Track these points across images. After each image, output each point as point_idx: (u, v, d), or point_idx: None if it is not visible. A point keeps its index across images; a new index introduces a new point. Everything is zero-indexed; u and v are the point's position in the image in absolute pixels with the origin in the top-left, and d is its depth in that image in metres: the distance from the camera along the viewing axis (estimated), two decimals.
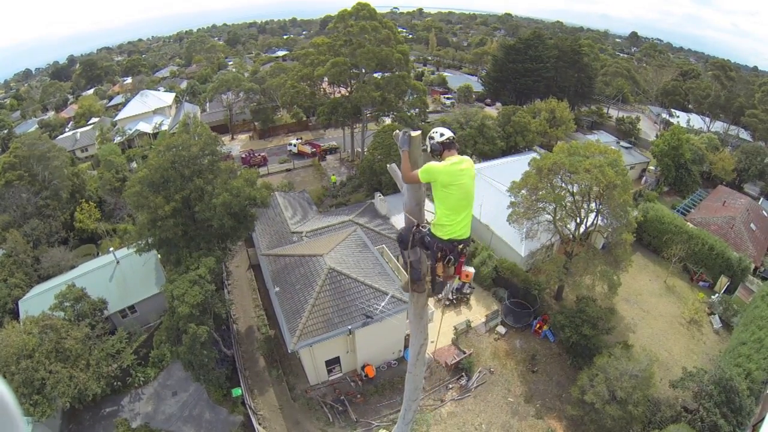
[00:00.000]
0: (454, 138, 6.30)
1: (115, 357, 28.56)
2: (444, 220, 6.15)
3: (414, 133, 6.04)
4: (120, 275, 34.00)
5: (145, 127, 71.62)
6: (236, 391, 28.38)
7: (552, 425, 27.63)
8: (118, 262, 34.40)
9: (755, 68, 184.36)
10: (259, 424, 26.68)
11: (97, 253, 41.56)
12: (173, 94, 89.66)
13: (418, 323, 8.22)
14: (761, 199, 59.69)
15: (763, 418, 26.84)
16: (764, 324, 31.22)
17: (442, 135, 6.22)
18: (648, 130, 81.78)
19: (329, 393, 28.65)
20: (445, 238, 6.18)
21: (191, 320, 24.91)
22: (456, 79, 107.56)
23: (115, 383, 28.15)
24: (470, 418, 27.75)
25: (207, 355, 25.93)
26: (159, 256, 34.36)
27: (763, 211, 53.52)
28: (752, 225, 47.62)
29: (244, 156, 58.84)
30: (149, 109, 77.70)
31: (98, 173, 51.57)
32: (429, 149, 6.27)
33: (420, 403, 23.44)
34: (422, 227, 6.59)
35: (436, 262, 6.45)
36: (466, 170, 6.06)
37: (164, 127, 61.97)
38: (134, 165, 53.31)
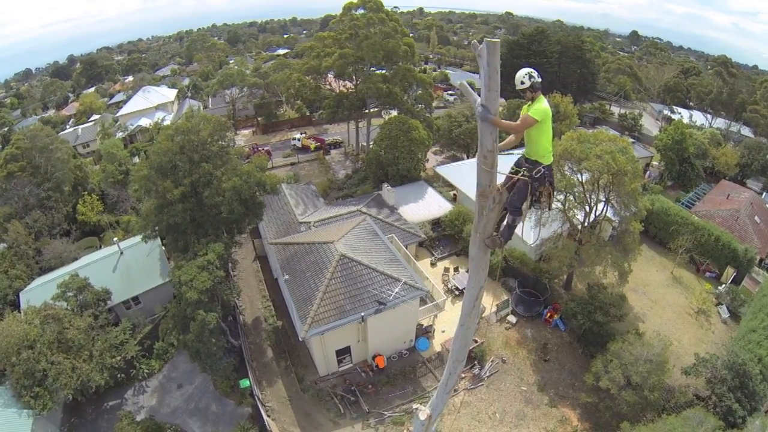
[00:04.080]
0: None
1: (119, 348, 28.00)
2: (549, 148, 6.94)
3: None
4: (124, 266, 33.62)
5: (148, 122, 71.23)
6: (244, 383, 27.96)
7: (566, 413, 27.48)
8: (122, 253, 34.04)
9: (755, 67, 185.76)
10: (268, 416, 26.25)
11: (100, 246, 41.19)
12: (176, 90, 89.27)
13: (481, 260, 7.55)
14: (764, 193, 59.94)
15: None
16: None
17: (540, 75, 6.70)
18: (650, 126, 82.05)
19: (339, 384, 28.35)
20: (548, 162, 6.98)
21: (199, 306, 24.42)
22: (457, 77, 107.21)
23: (118, 375, 27.73)
24: (484, 407, 27.57)
25: (215, 344, 25.40)
26: (163, 247, 34.10)
27: (767, 205, 53.73)
28: (756, 218, 47.77)
29: (248, 150, 58.65)
30: (151, 105, 77.20)
31: (101, 166, 51.21)
32: (529, 85, 6.61)
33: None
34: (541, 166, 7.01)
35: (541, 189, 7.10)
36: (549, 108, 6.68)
37: (167, 123, 61.64)
38: (137, 160, 52.98)
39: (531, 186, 6.82)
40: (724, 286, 38.62)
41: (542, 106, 6.50)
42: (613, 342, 26.67)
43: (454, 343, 9.15)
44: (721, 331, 34.70)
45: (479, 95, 5.86)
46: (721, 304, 36.93)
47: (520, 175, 6.90)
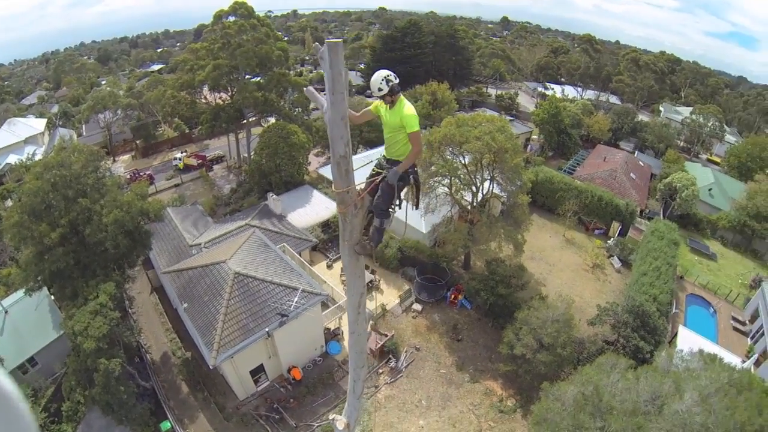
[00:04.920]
0: None
1: None
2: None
3: None
4: (11, 326, 30.51)
5: (17, 159, 64.12)
6: (165, 425, 26.36)
7: (489, 385, 28.36)
8: (6, 312, 30.87)
9: (617, 42, 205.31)
10: None
11: None
12: (44, 120, 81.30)
13: (355, 267, 7.36)
14: (636, 152, 66.12)
15: (676, 333, 29.81)
16: (658, 255, 34.43)
17: (396, 77, 6.45)
18: (527, 103, 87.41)
19: (261, 404, 27.50)
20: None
21: (100, 355, 22.72)
22: None
23: None
24: (408, 396, 27.81)
25: (125, 391, 23.75)
26: (52, 296, 31.38)
27: (640, 162, 59.21)
28: (632, 174, 52.41)
29: (129, 176, 54.90)
30: (19, 138, 69.55)
31: None
32: (387, 91, 6.35)
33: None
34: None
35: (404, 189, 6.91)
36: None
37: (38, 157, 55.84)
38: (9, 203, 47.60)
39: (396, 186, 6.60)
40: (612, 239, 41.95)
41: (413, 114, 6.32)
42: (519, 310, 27.83)
43: (350, 351, 9.06)
44: (617, 280, 37.60)
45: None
46: (613, 256, 40.08)
47: (381, 177, 6.71)
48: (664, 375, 19.10)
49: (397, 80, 6.40)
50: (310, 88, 6.65)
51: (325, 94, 5.58)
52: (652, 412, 17.27)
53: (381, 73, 6.38)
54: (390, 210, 6.86)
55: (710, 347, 26.06)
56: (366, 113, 6.94)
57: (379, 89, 6.36)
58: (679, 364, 20.85)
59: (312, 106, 52.31)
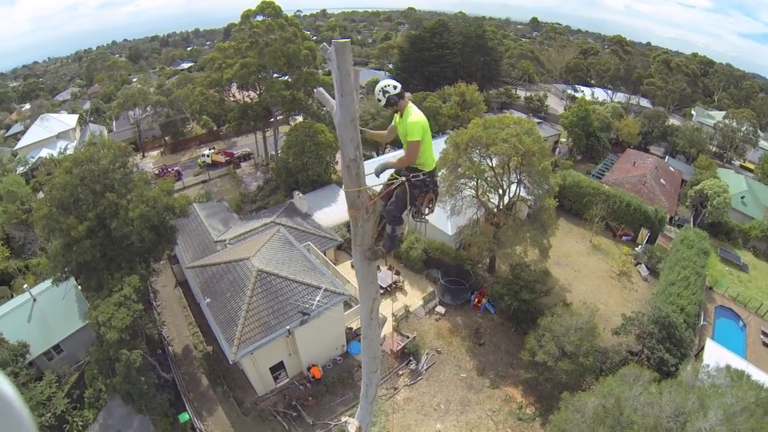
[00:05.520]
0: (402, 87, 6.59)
1: (47, 404, 25.76)
2: (429, 156, 6.66)
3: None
4: (39, 314, 31.19)
5: (49, 153, 66.03)
6: (183, 417, 26.62)
7: (509, 392, 28.01)
8: (34, 300, 31.58)
9: (649, 44, 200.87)
10: None
11: (11, 295, 37.97)
12: (76, 116, 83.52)
13: (367, 272, 7.26)
14: (666, 157, 64.52)
15: (703, 347, 28.86)
16: (687, 264, 33.53)
17: (395, 87, 6.40)
18: (556, 106, 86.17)
19: (279, 401, 27.59)
20: (429, 169, 6.68)
21: (122, 346, 23.05)
22: (363, 75, 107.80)
23: None
24: (427, 400, 27.61)
25: (145, 382, 24.03)
26: (79, 287, 31.91)
27: (670, 167, 57.81)
28: (662, 180, 51.19)
29: (157, 172, 55.99)
30: (52, 134, 71.82)
31: (2, 207, 46.97)
32: (385, 102, 6.38)
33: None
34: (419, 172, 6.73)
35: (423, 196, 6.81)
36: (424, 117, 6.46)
37: (69, 152, 57.34)
38: (41, 195, 48.99)
39: (411, 193, 6.51)
40: (640, 246, 40.91)
41: (417, 120, 6.25)
42: (542, 317, 27.40)
43: (363, 356, 8.92)
44: (643, 289, 36.69)
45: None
46: (640, 264, 39.12)
47: (396, 181, 6.63)
48: (689, 390, 18.53)
49: (396, 90, 6.37)
50: (321, 89, 6.51)
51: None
52: (674, 429, 16.77)
53: (379, 85, 6.45)
54: (402, 217, 6.77)
55: (738, 363, 25.13)
56: (392, 129, 6.91)
57: (378, 100, 6.44)
58: (705, 379, 20.31)
59: None
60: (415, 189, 6.52)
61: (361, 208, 6.27)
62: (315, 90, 7.20)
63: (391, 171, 6.94)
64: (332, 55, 4.87)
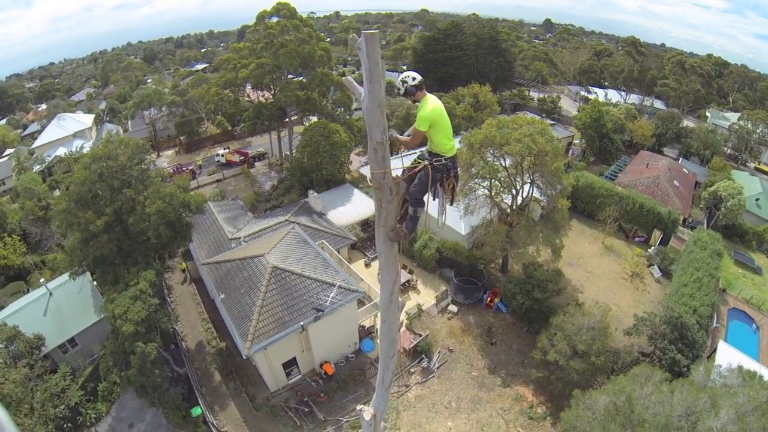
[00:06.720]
0: (422, 80, 6.85)
1: (61, 396, 26.15)
2: (448, 143, 6.91)
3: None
4: (55, 307, 31.69)
5: (65, 152, 67.08)
6: (196, 411, 26.92)
7: (520, 391, 28.06)
8: (51, 294, 32.06)
9: (663, 45, 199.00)
10: None
11: (27, 290, 38.65)
12: (92, 116, 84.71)
13: (389, 253, 7.40)
14: (680, 158, 63.96)
15: (716, 348, 28.61)
16: (700, 265, 33.34)
17: (414, 79, 6.69)
18: (569, 107, 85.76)
19: (291, 397, 27.83)
20: (450, 155, 6.99)
21: (137, 338, 23.42)
22: None
23: (64, 425, 25.78)
24: (438, 398, 27.72)
25: (159, 375, 24.40)
26: (94, 281, 32.40)
27: (684, 169, 57.31)
28: (675, 182, 50.79)
29: (172, 171, 56.59)
30: (68, 133, 72.97)
31: (19, 204, 47.81)
32: (404, 91, 6.71)
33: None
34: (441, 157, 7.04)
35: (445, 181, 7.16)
36: (441, 105, 6.68)
37: (86, 150, 58.26)
38: (57, 193, 49.81)
39: (432, 177, 6.83)
40: (653, 248, 40.77)
41: (426, 112, 6.51)
42: (554, 316, 27.41)
43: (381, 340, 9.00)
44: (656, 290, 36.56)
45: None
46: (653, 265, 38.96)
47: (419, 164, 6.92)
48: (700, 390, 18.53)
49: (415, 81, 6.67)
50: (349, 77, 6.90)
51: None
52: (685, 428, 16.79)
53: (402, 75, 6.79)
54: (424, 199, 7.07)
55: (751, 364, 24.78)
56: (416, 135, 7.17)
57: (397, 90, 6.80)
58: (717, 379, 20.28)
59: (354, 106, 52.65)
60: (437, 173, 6.85)
61: (386, 187, 6.54)
62: (344, 78, 7.70)
63: (416, 155, 7.25)
64: (362, 44, 5.12)
